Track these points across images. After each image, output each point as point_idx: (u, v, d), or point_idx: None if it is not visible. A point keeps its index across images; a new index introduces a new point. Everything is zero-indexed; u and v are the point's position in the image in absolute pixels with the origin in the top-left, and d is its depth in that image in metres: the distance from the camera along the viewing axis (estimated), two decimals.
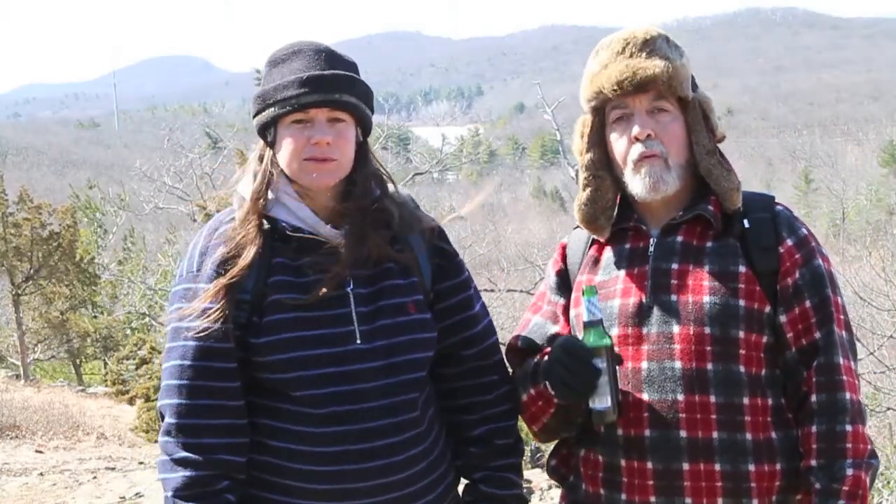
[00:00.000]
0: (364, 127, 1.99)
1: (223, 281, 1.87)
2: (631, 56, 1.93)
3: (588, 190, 2.03)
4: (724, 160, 1.97)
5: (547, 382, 1.94)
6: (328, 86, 1.89)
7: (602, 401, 1.85)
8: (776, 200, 2.02)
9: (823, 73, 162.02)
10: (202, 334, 1.86)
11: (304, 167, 1.91)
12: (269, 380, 1.89)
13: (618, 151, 1.97)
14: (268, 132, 1.95)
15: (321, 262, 1.92)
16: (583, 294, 1.90)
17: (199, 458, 1.84)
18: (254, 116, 1.97)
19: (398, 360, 1.92)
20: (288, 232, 1.93)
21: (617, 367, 1.89)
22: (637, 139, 1.93)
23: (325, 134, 1.90)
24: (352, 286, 1.93)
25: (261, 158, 1.99)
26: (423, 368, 1.99)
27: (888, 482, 7.59)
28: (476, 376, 2.09)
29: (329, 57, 1.94)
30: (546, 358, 1.97)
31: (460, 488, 2.13)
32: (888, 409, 9.96)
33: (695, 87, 1.99)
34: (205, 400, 1.86)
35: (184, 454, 1.84)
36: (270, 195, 1.96)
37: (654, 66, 1.90)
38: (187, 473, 1.84)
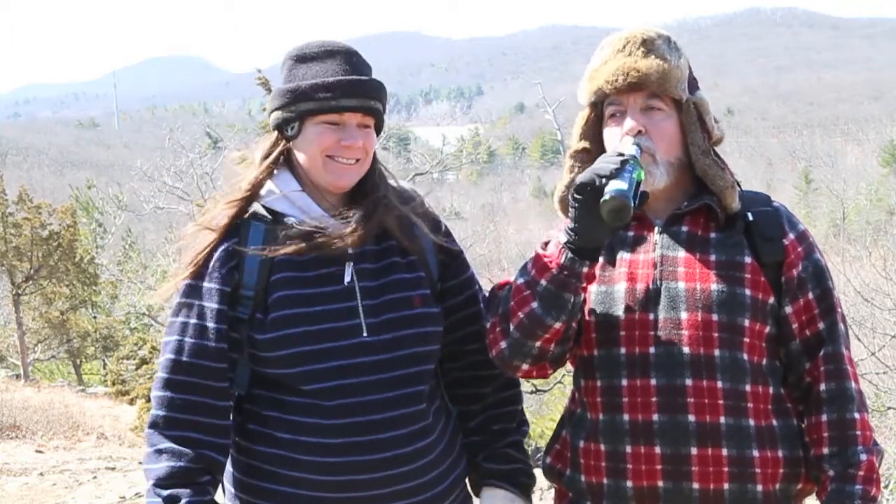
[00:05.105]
0: (378, 129, 2.04)
1: (185, 270, 1.93)
2: (629, 54, 1.95)
3: (572, 177, 2.06)
4: (718, 160, 1.99)
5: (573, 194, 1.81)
6: (365, 92, 1.94)
7: (620, 184, 1.72)
8: (772, 199, 2.06)
9: (823, 73, 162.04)
10: (195, 331, 1.91)
11: (329, 166, 1.95)
12: (277, 373, 1.91)
13: (610, 146, 1.99)
14: (290, 126, 1.96)
15: (328, 256, 1.95)
16: (630, 138, 1.89)
17: (185, 451, 1.87)
18: (276, 109, 1.96)
19: (404, 354, 1.95)
20: (296, 226, 1.94)
21: (639, 183, 1.78)
22: (628, 135, 1.95)
23: (356, 138, 1.94)
24: (357, 280, 1.96)
25: (269, 151, 1.99)
26: (428, 362, 2.02)
27: (888, 483, 7.58)
28: (477, 369, 2.13)
29: (360, 61, 1.98)
30: None
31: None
32: (889, 408, 9.95)
33: (695, 88, 2.01)
34: (193, 396, 1.90)
35: (169, 444, 1.87)
36: (276, 190, 1.98)
37: (648, 65, 1.93)
38: (171, 464, 1.86)
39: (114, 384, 19.01)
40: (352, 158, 1.95)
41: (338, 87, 1.91)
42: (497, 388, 2.15)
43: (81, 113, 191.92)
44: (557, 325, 1.89)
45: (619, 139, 1.96)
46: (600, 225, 1.77)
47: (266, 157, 1.98)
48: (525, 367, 1.98)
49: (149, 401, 15.29)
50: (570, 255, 1.83)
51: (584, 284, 1.88)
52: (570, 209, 1.83)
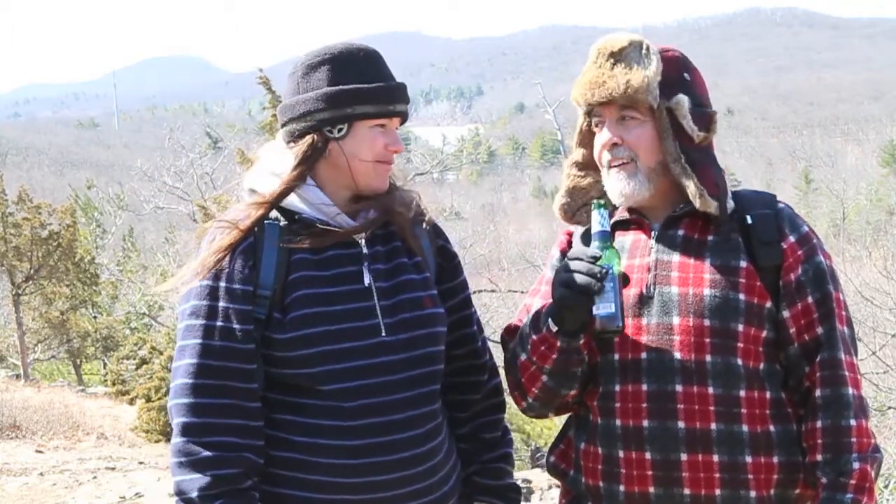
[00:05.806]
0: None
1: (203, 266, 1.89)
2: (599, 66, 1.96)
3: (568, 185, 2.09)
4: (688, 167, 1.94)
5: (551, 299, 1.90)
6: (406, 97, 2.00)
7: (607, 306, 1.80)
8: (778, 199, 2.03)
9: (823, 73, 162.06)
10: (219, 333, 1.87)
11: (377, 169, 1.97)
12: (294, 374, 1.90)
13: (595, 155, 2.03)
14: (338, 128, 1.94)
15: (345, 255, 1.95)
16: (594, 207, 1.91)
17: (226, 457, 1.83)
18: (323, 109, 1.93)
19: (419, 353, 1.96)
20: (319, 225, 1.94)
21: (622, 285, 1.85)
22: (603, 149, 1.98)
23: (400, 143, 2.00)
24: (373, 280, 1.96)
25: (307, 154, 1.96)
26: (440, 362, 2.03)
27: (888, 483, 7.59)
28: (465, 375, 2.14)
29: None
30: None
31: None
32: (889, 408, 9.95)
33: (674, 91, 1.95)
34: (225, 399, 1.86)
35: (208, 453, 1.82)
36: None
37: (615, 79, 1.93)
38: (215, 472, 1.81)
39: (114, 384, 18.99)
40: (390, 162, 1.99)
41: (391, 92, 1.95)
42: (486, 394, 2.16)
43: (81, 113, 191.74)
44: (573, 392, 2.01)
45: (599, 150, 2.00)
46: (587, 322, 1.87)
47: (304, 160, 1.95)
48: (551, 414, 2.14)
49: (148, 401, 15.19)
50: (564, 339, 1.90)
51: (585, 353, 1.95)
52: (553, 306, 1.89)
